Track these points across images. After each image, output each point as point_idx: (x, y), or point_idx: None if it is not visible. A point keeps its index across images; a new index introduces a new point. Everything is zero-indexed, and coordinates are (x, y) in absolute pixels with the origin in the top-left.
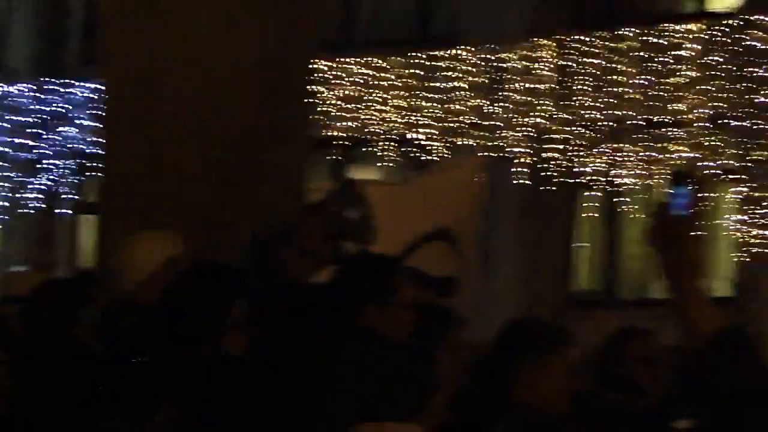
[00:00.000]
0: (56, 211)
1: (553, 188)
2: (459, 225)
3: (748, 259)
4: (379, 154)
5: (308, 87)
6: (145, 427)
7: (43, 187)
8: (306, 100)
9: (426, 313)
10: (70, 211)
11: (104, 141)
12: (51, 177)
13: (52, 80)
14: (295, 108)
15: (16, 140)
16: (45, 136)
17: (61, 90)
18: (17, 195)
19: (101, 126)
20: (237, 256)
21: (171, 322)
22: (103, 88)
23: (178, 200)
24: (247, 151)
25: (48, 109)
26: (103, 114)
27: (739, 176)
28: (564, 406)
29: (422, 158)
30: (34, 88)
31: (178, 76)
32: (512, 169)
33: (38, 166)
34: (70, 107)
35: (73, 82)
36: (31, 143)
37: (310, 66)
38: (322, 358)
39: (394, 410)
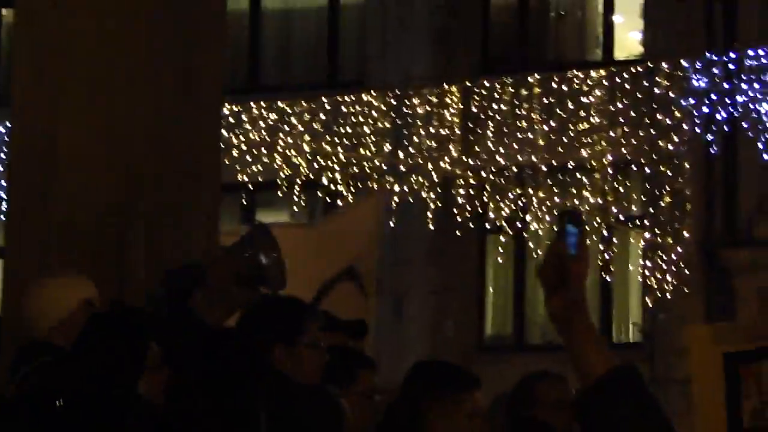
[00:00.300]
0: None
1: (462, 233)
2: (363, 264)
3: (653, 306)
4: (287, 198)
5: (216, 131)
6: None
7: None
8: (214, 145)
9: (337, 355)
10: None
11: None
12: None
13: None
14: (203, 152)
15: None
16: None
17: None
18: None
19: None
20: (149, 298)
21: (86, 364)
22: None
23: (85, 243)
24: (156, 194)
25: None
26: (7, 156)
27: (644, 222)
28: None
29: (330, 202)
30: None
31: (80, 123)
32: (421, 215)
33: None
34: None
35: None
36: None
37: (216, 111)
38: (234, 401)
39: None
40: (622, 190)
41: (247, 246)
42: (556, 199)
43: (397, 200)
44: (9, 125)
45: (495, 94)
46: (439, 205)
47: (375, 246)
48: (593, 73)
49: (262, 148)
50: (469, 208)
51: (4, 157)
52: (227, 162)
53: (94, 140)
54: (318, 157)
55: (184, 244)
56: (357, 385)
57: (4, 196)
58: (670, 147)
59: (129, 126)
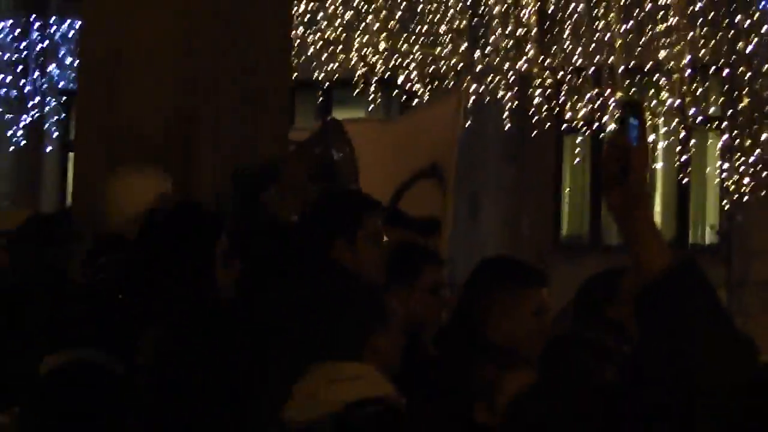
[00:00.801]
0: (44, 149)
1: (539, 133)
2: (444, 162)
3: (730, 208)
4: (363, 96)
5: (284, 30)
6: (129, 359)
7: (29, 124)
8: (283, 44)
9: (402, 251)
10: (56, 149)
11: (80, 78)
12: (38, 114)
13: (38, 17)
14: (270, 52)
15: (2, 77)
16: (31, 74)
17: (47, 27)
18: (3, 133)
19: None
20: (221, 195)
21: (156, 259)
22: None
23: (152, 145)
24: (222, 95)
25: (34, 46)
26: (80, 51)
27: (722, 124)
28: (537, 346)
29: (406, 100)
30: (20, 24)
31: (148, 26)
32: (498, 114)
33: (25, 103)
34: (56, 44)
35: (58, 18)
36: (17, 80)
37: (285, 9)
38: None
39: (342, 347)
40: (700, 92)
41: (319, 141)
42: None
43: (473, 99)
44: (80, 28)
45: None
46: (516, 104)
47: (455, 144)
48: None
49: (339, 46)
50: (546, 108)
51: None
52: (303, 60)
53: (161, 42)
54: (394, 55)
55: (251, 143)
56: (422, 281)
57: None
58: (749, 48)
59: (194, 28)
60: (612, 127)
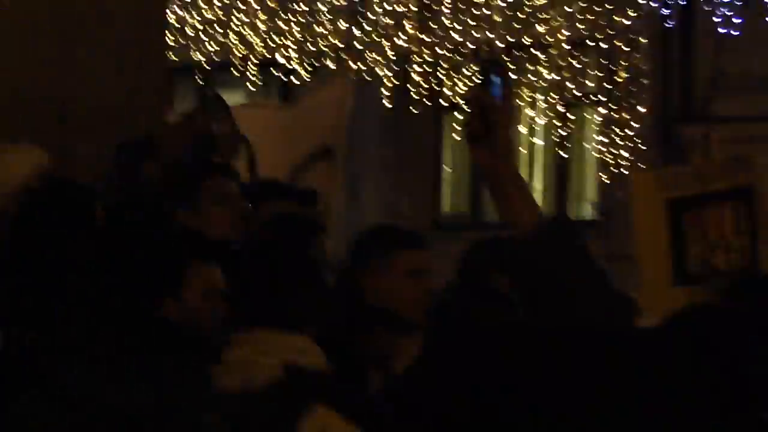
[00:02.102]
0: None
1: (418, 111)
2: (336, 143)
3: (609, 182)
4: (243, 77)
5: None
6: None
7: None
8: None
9: (289, 221)
10: None
11: None
12: None
13: None
14: (146, 33)
15: None
16: None
17: None
18: None
19: None
20: (100, 168)
21: (33, 234)
22: None
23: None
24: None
25: None
26: None
27: (600, 98)
28: (417, 309)
29: (286, 81)
30: None
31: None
32: (377, 92)
33: None
34: None
35: None
36: None
37: None
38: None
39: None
40: (578, 66)
41: (199, 115)
42: (512, 76)
43: (353, 78)
44: None
45: None
46: (395, 83)
47: (344, 126)
48: None
49: (217, 27)
50: (425, 86)
51: None
52: (182, 41)
53: (32, 17)
54: (273, 35)
55: (128, 119)
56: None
57: None
58: (626, 22)
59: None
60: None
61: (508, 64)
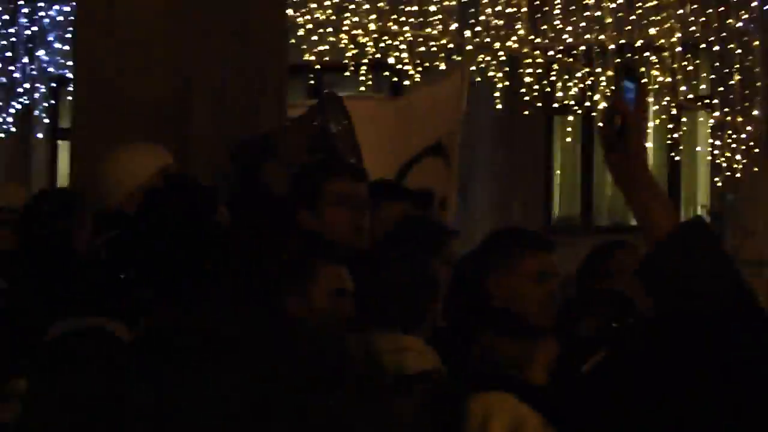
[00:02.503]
0: (33, 136)
1: (529, 113)
2: (449, 140)
3: (722, 186)
4: (354, 78)
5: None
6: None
7: (19, 111)
8: (280, 21)
9: (412, 224)
10: (46, 136)
11: (75, 59)
12: (27, 101)
13: (26, 3)
14: (268, 28)
15: None
16: (20, 60)
17: (35, 13)
18: None
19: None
20: (218, 169)
21: (155, 234)
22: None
23: (155, 113)
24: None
25: (22, 32)
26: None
27: (713, 101)
28: (544, 316)
29: (396, 82)
30: (8, 11)
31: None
32: (488, 94)
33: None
34: (45, 30)
35: (46, 4)
36: (5, 67)
37: None
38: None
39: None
40: (690, 69)
41: (316, 114)
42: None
43: (469, 71)
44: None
45: None
46: (506, 84)
47: (459, 121)
48: None
49: (329, 28)
50: (537, 88)
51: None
52: (293, 43)
53: (156, 18)
54: (384, 36)
55: (251, 118)
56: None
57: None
58: (739, 24)
59: (190, 5)
60: (604, 105)
61: (640, 69)
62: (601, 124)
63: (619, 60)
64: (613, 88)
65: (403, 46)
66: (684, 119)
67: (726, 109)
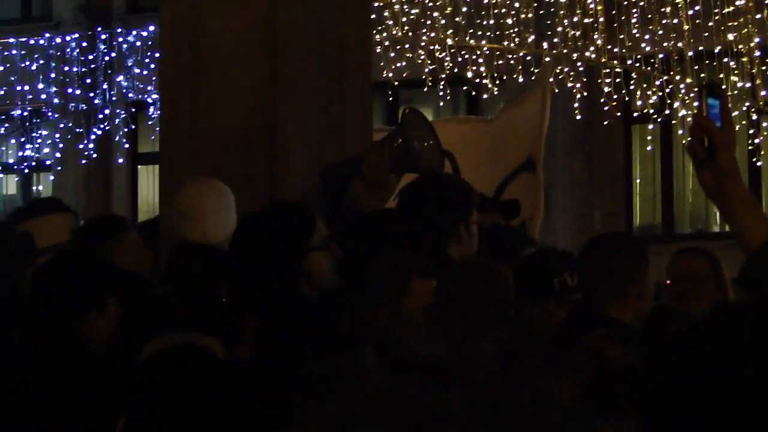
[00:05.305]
0: (114, 161)
1: (608, 123)
2: (536, 152)
3: None
4: (432, 93)
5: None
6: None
7: (99, 137)
8: (363, 40)
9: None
10: (126, 162)
11: (160, 85)
12: (107, 127)
13: (103, 29)
14: (351, 48)
15: (70, 91)
16: (100, 86)
17: (113, 38)
18: (74, 147)
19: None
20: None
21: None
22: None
23: (235, 144)
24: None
25: (101, 58)
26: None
27: None
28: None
29: (474, 96)
30: (86, 37)
31: (223, 27)
32: (567, 105)
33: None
34: (123, 56)
35: (123, 29)
36: (85, 93)
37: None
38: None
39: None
40: None
41: (398, 135)
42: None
43: (553, 87)
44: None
45: None
46: (585, 94)
47: (544, 133)
48: None
49: (405, 44)
50: (615, 97)
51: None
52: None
53: (237, 42)
54: (461, 51)
55: (337, 140)
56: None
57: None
58: None
59: (272, 27)
60: (683, 113)
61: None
62: (687, 144)
63: (696, 68)
64: (690, 99)
65: (480, 60)
66: (765, 124)
67: None
